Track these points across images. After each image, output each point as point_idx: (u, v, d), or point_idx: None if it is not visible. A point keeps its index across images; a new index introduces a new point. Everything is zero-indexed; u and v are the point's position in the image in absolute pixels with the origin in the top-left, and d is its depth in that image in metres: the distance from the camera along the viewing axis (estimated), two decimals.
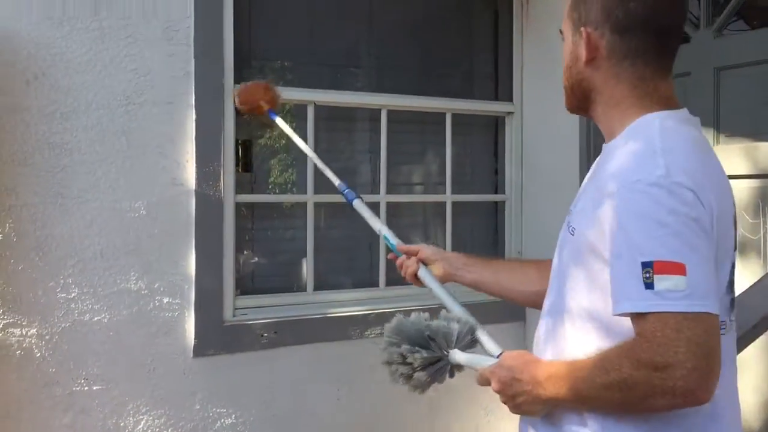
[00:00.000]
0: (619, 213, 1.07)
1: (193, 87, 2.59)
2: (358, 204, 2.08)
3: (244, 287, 2.84)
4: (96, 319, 2.46)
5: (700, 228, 1.04)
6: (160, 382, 2.56)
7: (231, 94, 2.68)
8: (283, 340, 2.76)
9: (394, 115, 3.13)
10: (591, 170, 1.33)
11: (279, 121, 2.54)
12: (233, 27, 2.69)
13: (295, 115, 3.02)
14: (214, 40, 2.64)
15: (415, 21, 3.27)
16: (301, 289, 2.97)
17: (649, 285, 1.01)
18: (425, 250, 1.78)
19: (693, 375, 0.98)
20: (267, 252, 2.98)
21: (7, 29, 2.32)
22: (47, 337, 2.39)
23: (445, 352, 1.37)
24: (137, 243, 2.52)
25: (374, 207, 3.11)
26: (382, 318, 2.94)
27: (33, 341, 2.37)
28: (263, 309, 2.81)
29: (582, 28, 1.20)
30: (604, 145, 1.27)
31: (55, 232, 2.40)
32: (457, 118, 3.29)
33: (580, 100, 1.27)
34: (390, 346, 1.39)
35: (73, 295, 2.43)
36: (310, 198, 2.95)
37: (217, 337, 2.65)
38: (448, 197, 3.27)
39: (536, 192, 3.29)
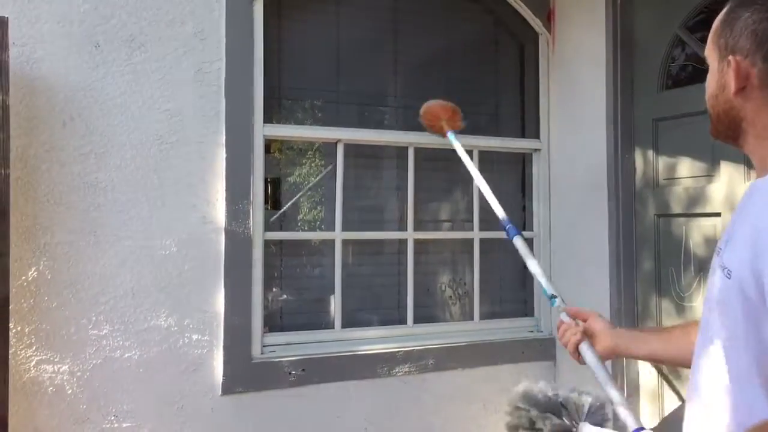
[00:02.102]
0: None
1: (224, 126, 2.64)
2: (518, 241, 2.06)
3: (272, 324, 2.85)
4: (127, 356, 2.49)
5: None
6: (188, 420, 2.57)
7: (261, 134, 2.72)
8: (311, 377, 2.76)
9: (421, 153, 3.15)
10: (739, 207, 1.23)
11: (455, 143, 2.59)
12: (263, 67, 2.75)
13: (324, 152, 3.06)
14: (245, 81, 2.70)
15: (441, 59, 3.31)
16: (329, 326, 2.97)
17: None
18: (596, 322, 1.64)
19: None
20: (295, 289, 2.99)
21: (46, 72, 2.39)
22: (79, 374, 2.42)
23: (575, 423, 1.34)
24: (168, 280, 2.55)
25: (402, 244, 3.12)
26: (410, 356, 2.94)
27: (65, 378, 2.40)
28: (291, 346, 2.82)
29: (730, 57, 1.14)
30: (755, 181, 1.19)
31: (88, 269, 2.44)
32: (484, 155, 3.30)
33: (728, 129, 1.20)
34: (518, 410, 1.37)
35: (104, 332, 2.46)
36: (338, 235, 2.97)
37: (245, 374, 2.65)
38: (476, 234, 3.26)
39: (565, 229, 3.27)
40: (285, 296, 2.96)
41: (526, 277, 3.41)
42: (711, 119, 1.23)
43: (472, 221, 3.27)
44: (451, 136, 2.62)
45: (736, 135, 1.19)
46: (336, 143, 2.98)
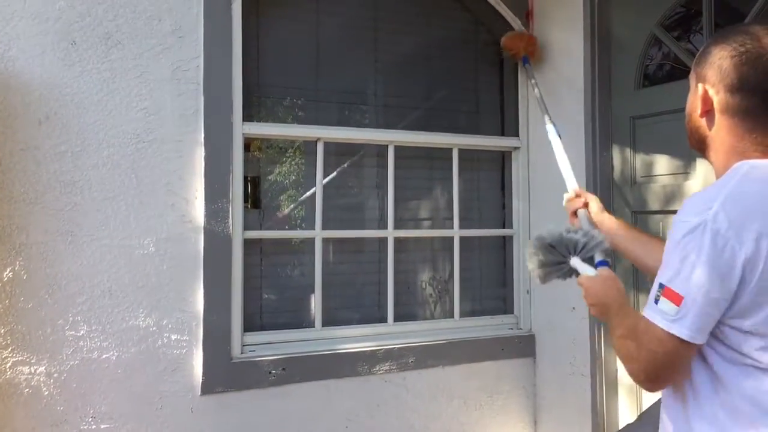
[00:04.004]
0: (669, 233, 1.30)
1: (202, 125, 2.63)
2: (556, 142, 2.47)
3: (252, 324, 2.84)
4: (104, 356, 2.47)
5: (718, 272, 1.20)
6: (168, 420, 2.55)
7: (240, 132, 2.72)
8: (292, 376, 2.75)
9: (402, 151, 3.16)
10: None
11: (528, 67, 3.14)
12: (242, 65, 2.73)
13: (305, 151, 3.05)
14: (223, 79, 2.68)
15: (421, 57, 3.31)
16: (310, 325, 2.96)
17: (656, 300, 1.28)
18: (593, 202, 2.04)
19: (641, 374, 1.32)
20: (275, 288, 2.98)
21: (21, 70, 2.36)
22: (56, 375, 2.39)
23: (569, 256, 1.73)
24: (146, 280, 2.53)
25: (382, 242, 3.12)
26: (391, 354, 2.94)
27: (41, 379, 2.37)
28: (271, 345, 2.81)
29: (700, 84, 1.38)
30: None
31: (64, 269, 2.41)
32: (464, 153, 3.31)
33: (697, 143, 1.44)
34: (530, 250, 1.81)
35: (81, 332, 2.43)
36: (318, 233, 2.96)
37: (225, 374, 2.64)
38: (456, 232, 3.27)
39: (544, 226, 3.28)
40: (265, 295, 2.94)
41: (506, 274, 3.42)
42: (687, 131, 1.47)
43: (452, 219, 3.28)
44: (525, 61, 3.19)
45: (703, 148, 1.43)
46: (316, 141, 2.97)
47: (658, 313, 1.26)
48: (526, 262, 1.83)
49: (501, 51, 3.26)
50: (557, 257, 1.74)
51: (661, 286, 1.27)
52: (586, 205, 2.05)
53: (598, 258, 1.72)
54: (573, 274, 1.74)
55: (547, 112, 2.65)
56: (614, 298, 1.53)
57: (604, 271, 1.64)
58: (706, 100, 1.37)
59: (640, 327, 1.31)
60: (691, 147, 1.49)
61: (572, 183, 2.26)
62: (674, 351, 1.26)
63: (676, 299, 1.24)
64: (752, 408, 1.23)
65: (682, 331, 1.23)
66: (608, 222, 1.96)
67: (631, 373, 1.35)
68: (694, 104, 1.41)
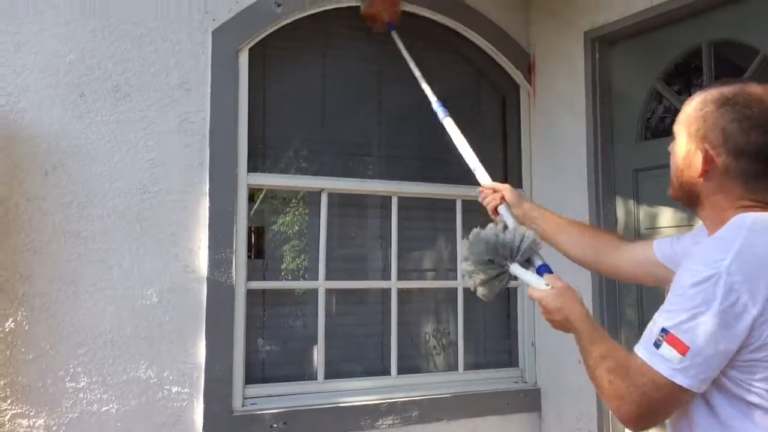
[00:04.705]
0: (676, 278, 1.28)
1: (208, 176, 2.65)
2: (449, 122, 2.44)
3: (254, 375, 2.80)
4: (104, 409, 2.43)
5: (727, 326, 1.19)
6: None
7: (245, 183, 2.74)
8: (293, 430, 2.70)
9: (405, 202, 3.17)
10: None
11: (395, 35, 2.90)
12: (248, 117, 2.77)
13: (308, 201, 3.06)
14: (229, 131, 2.71)
15: (424, 109, 3.34)
16: (312, 377, 2.92)
17: (657, 345, 1.25)
18: (509, 193, 2.05)
19: (630, 414, 1.28)
20: (278, 339, 2.95)
21: (30, 122, 2.39)
22: (54, 428, 2.36)
23: (508, 264, 1.69)
24: (148, 331, 2.51)
25: (385, 293, 3.10)
26: (394, 408, 2.90)
27: None
28: (273, 398, 2.77)
29: (704, 145, 1.35)
30: (706, 237, 1.42)
31: (66, 320, 2.40)
32: (468, 204, 3.31)
33: (687, 197, 1.43)
34: (465, 262, 1.75)
35: (82, 384, 2.41)
36: (322, 284, 2.95)
37: (225, 428, 2.60)
38: (460, 283, 3.26)
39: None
40: (267, 347, 2.92)
41: (510, 326, 3.39)
42: (672, 186, 1.46)
43: (455, 270, 3.27)
44: (390, 27, 2.93)
45: (694, 203, 1.42)
46: (320, 192, 2.99)
47: (660, 359, 1.24)
48: (465, 279, 1.77)
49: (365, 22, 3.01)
50: (497, 269, 1.70)
51: (664, 330, 1.24)
52: (503, 198, 2.04)
53: (538, 262, 1.69)
54: (513, 278, 1.71)
55: (431, 93, 2.61)
56: (576, 313, 1.52)
57: (556, 281, 1.60)
58: (708, 162, 1.35)
59: (633, 367, 1.28)
60: (676, 199, 1.48)
61: (484, 177, 2.20)
62: (672, 396, 1.24)
63: (682, 348, 1.22)
64: None
65: (685, 381, 1.22)
66: (530, 211, 2.01)
67: (617, 410, 1.32)
68: (688, 161, 1.39)
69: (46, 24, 2.44)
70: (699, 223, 1.53)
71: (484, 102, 3.49)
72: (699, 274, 1.22)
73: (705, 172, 1.36)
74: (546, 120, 3.33)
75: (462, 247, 1.80)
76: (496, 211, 2.06)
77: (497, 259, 1.68)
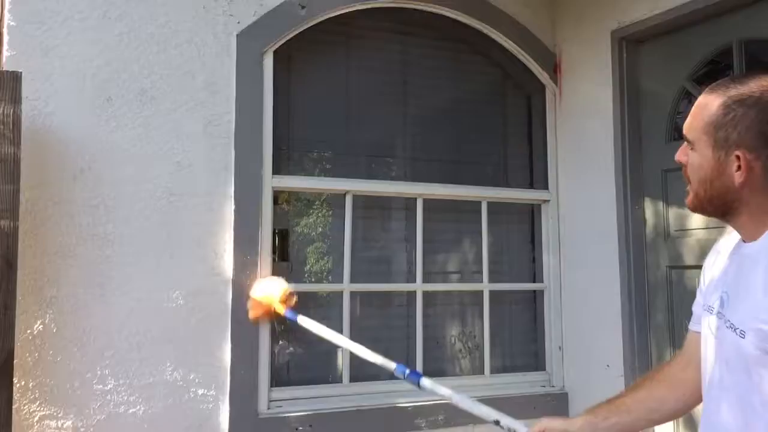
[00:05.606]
0: None
1: (233, 178, 2.65)
2: (427, 383, 1.88)
3: (279, 378, 2.80)
4: (131, 411, 2.44)
5: None
6: None
7: (270, 185, 2.73)
8: None
9: (430, 204, 3.15)
10: (731, 266, 1.39)
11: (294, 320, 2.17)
12: (272, 119, 2.77)
13: (333, 204, 3.06)
14: (254, 133, 2.71)
15: (449, 110, 3.33)
16: (337, 380, 2.92)
17: None
18: (550, 426, 1.67)
19: None
20: (303, 342, 2.95)
21: (58, 126, 2.41)
22: (82, 430, 2.37)
23: None
24: (174, 333, 2.52)
25: (410, 296, 3.08)
26: (421, 411, 2.88)
27: None
28: (299, 401, 2.76)
29: (738, 152, 1.28)
30: (744, 243, 1.36)
31: (93, 323, 2.42)
32: (493, 206, 3.29)
33: (719, 208, 1.35)
34: None
35: (109, 386, 2.42)
36: (347, 287, 2.94)
37: (251, 430, 2.60)
38: (486, 286, 3.23)
39: (575, 281, 3.24)
40: (292, 349, 2.91)
41: (537, 330, 3.36)
42: (697, 197, 1.37)
43: (481, 272, 3.24)
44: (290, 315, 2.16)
45: (726, 212, 1.34)
46: (344, 194, 2.98)
47: None
48: None
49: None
50: None
51: None
52: None
53: None
54: None
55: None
56: None
57: None
58: (747, 166, 1.28)
59: None
60: (700, 212, 1.41)
61: (514, 424, 1.76)
62: None
63: None
64: None
65: None
66: (590, 420, 1.63)
67: None
68: (719, 170, 1.31)
69: (73, 29, 2.46)
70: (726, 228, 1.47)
71: (509, 103, 3.46)
72: None
73: (744, 179, 1.28)
74: (572, 120, 3.29)
75: None
76: None
77: None
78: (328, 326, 2.96)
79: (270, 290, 2.17)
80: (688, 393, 1.55)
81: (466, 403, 1.79)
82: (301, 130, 2.99)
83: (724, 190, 1.32)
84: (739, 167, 1.28)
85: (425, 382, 1.87)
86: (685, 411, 1.60)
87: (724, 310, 1.34)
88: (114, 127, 2.50)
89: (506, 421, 1.72)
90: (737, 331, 1.27)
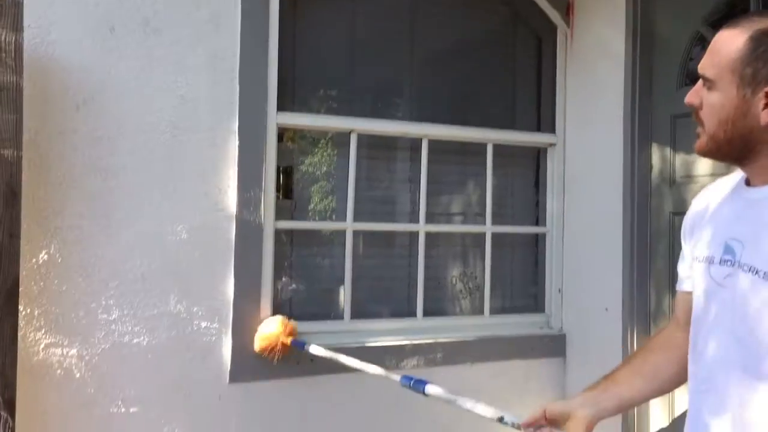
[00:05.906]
0: None
1: (237, 114, 2.63)
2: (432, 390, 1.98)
3: (281, 313, 2.83)
4: (135, 341, 2.48)
5: None
6: (195, 407, 2.56)
7: (274, 122, 2.71)
8: (319, 368, 2.74)
9: (435, 145, 3.13)
10: (734, 213, 1.35)
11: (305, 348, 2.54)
12: (278, 55, 2.73)
13: (337, 142, 3.04)
14: (259, 69, 2.68)
15: (456, 51, 3.28)
16: (339, 317, 2.95)
17: None
18: (551, 408, 1.59)
19: None
20: (305, 279, 2.97)
21: (60, 55, 2.38)
22: (87, 358, 2.42)
23: None
24: (177, 266, 2.54)
25: (413, 236, 3.09)
26: (419, 349, 2.93)
27: (73, 361, 2.40)
28: (300, 336, 2.80)
29: (766, 87, 1.21)
30: (750, 187, 1.32)
31: (98, 253, 2.43)
32: (499, 148, 3.27)
33: (738, 151, 1.29)
34: None
35: (114, 316, 2.45)
36: (350, 225, 2.95)
37: (253, 363, 2.64)
38: (488, 228, 3.24)
39: (578, 225, 3.24)
40: (295, 285, 2.94)
41: (538, 272, 3.38)
42: (713, 140, 1.31)
43: (484, 215, 3.24)
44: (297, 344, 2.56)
45: (743, 155, 1.29)
46: (349, 133, 2.96)
47: None
48: None
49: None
50: None
51: None
52: (550, 421, 1.58)
53: None
54: None
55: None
56: None
57: None
58: None
59: None
60: (713, 156, 1.35)
61: (513, 418, 1.70)
62: None
63: None
64: None
65: None
66: (592, 399, 1.58)
67: None
68: (743, 110, 1.25)
69: None
70: (736, 170, 1.42)
71: (519, 43, 3.40)
72: None
73: None
74: (583, 63, 3.23)
75: None
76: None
77: None
78: (331, 264, 3.02)
79: (273, 328, 2.59)
80: (682, 354, 1.47)
81: (470, 405, 1.90)
82: (306, 67, 2.95)
83: (747, 131, 1.26)
84: (766, 105, 1.22)
85: (430, 389, 1.99)
86: (684, 376, 1.48)
87: (738, 256, 1.28)
88: (117, 58, 2.46)
89: (510, 417, 1.73)
90: (760, 273, 1.22)
